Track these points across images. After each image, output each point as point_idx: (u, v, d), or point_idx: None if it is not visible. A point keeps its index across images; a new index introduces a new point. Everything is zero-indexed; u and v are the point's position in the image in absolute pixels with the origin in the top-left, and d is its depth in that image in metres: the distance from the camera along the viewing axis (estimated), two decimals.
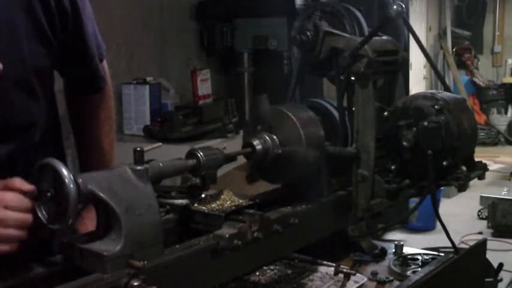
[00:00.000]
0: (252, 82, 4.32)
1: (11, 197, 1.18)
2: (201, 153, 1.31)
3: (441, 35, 9.04)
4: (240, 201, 1.40)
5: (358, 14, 1.63)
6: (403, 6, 1.46)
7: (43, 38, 1.44)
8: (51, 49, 1.47)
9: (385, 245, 1.75)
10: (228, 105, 3.87)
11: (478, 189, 5.18)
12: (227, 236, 1.26)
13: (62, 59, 1.53)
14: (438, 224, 1.63)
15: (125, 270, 1.09)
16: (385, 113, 1.58)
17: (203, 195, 1.41)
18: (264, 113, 1.51)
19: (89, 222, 1.57)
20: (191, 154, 1.32)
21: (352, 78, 1.54)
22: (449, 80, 8.52)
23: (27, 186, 1.17)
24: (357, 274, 1.49)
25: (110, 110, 1.79)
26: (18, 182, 1.18)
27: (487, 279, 1.80)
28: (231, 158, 1.40)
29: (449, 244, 1.59)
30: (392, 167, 1.57)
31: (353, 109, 1.57)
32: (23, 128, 1.47)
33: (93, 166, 1.72)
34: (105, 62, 1.72)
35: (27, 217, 1.18)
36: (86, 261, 1.13)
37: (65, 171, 1.11)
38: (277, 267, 1.60)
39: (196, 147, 1.36)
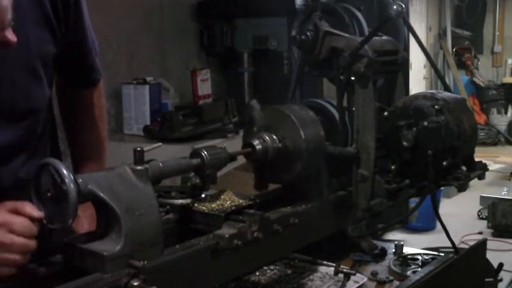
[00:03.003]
0: (252, 82, 4.32)
1: (19, 222, 1.17)
2: (205, 153, 1.32)
3: (441, 35, 9.05)
4: (240, 201, 1.40)
5: (358, 14, 1.63)
6: (403, 6, 1.46)
7: (48, 26, 1.47)
8: (55, 38, 1.49)
9: (385, 245, 1.75)
10: (228, 105, 3.87)
11: (478, 189, 5.18)
12: (227, 236, 1.26)
13: (63, 51, 1.54)
14: (438, 224, 1.63)
15: (125, 270, 1.09)
16: (385, 113, 1.58)
17: (203, 195, 1.41)
18: (264, 113, 1.51)
19: (85, 221, 1.58)
20: (195, 153, 1.32)
21: (352, 78, 1.54)
22: (449, 80, 8.52)
23: (37, 213, 1.16)
24: (357, 274, 1.49)
25: (102, 107, 1.80)
26: (29, 208, 1.17)
27: (487, 279, 1.80)
28: (232, 157, 1.40)
29: (449, 244, 1.59)
30: (393, 167, 1.57)
31: (353, 109, 1.57)
32: (27, 114, 1.48)
33: (91, 152, 1.76)
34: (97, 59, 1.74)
35: (32, 243, 1.18)
36: (86, 261, 1.13)
37: (65, 171, 1.11)
38: (277, 267, 1.60)
39: (199, 146, 1.36)
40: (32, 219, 1.17)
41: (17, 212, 1.18)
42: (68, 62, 1.63)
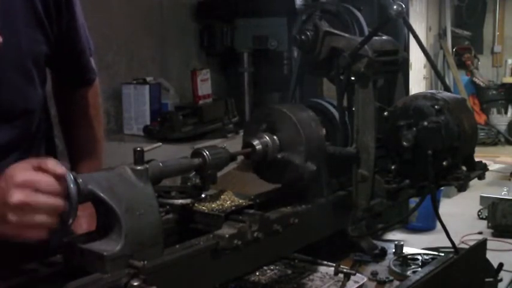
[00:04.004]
0: (252, 82, 4.32)
1: (44, 180, 1.08)
2: (207, 152, 1.32)
3: (441, 35, 9.04)
4: (240, 201, 1.40)
5: (358, 14, 1.63)
6: (403, 6, 1.46)
7: (40, 26, 1.46)
8: (48, 38, 1.49)
9: (385, 245, 1.75)
10: (228, 105, 3.87)
11: (478, 189, 5.18)
12: (227, 236, 1.26)
13: (56, 51, 1.54)
14: (438, 224, 1.63)
15: (125, 270, 1.09)
16: (385, 113, 1.58)
17: (203, 195, 1.41)
18: (265, 113, 1.51)
19: (84, 221, 1.58)
20: (197, 153, 1.32)
21: (352, 78, 1.54)
22: (449, 80, 8.52)
23: (61, 170, 1.08)
24: (357, 274, 1.49)
25: (98, 107, 1.80)
26: (52, 164, 1.09)
27: (487, 279, 1.80)
28: (232, 157, 1.40)
29: (449, 244, 1.59)
30: (393, 167, 1.57)
31: (353, 109, 1.57)
32: (22, 114, 1.48)
33: (87, 151, 1.76)
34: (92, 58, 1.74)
35: (60, 203, 1.08)
36: (86, 261, 1.13)
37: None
38: (277, 267, 1.60)
39: (199, 146, 1.36)
40: (56, 176, 1.08)
41: (41, 170, 1.09)
42: (62, 62, 1.63)
